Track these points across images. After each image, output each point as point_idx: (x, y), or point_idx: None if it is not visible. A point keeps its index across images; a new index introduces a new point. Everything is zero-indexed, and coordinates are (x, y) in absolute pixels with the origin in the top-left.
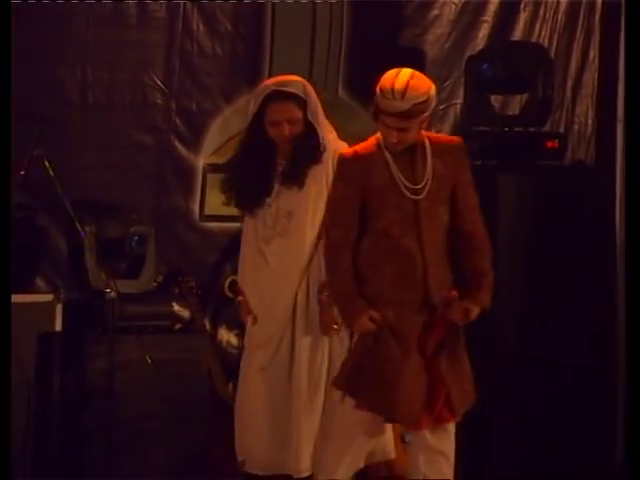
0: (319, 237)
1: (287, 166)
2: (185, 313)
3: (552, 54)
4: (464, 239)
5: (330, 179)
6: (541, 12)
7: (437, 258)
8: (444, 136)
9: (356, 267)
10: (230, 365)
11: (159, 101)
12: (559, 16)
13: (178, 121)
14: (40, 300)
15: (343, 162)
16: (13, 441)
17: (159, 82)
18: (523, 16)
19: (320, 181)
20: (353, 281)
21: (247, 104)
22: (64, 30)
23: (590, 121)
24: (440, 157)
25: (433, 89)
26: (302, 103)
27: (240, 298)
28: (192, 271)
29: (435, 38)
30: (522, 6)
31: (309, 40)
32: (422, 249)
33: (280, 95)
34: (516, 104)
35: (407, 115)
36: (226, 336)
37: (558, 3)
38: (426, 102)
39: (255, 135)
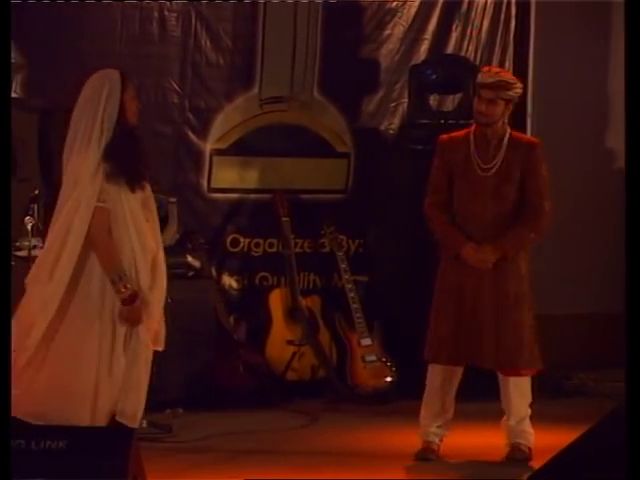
0: None
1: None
2: (196, 263)
3: (477, 63)
4: (521, 211)
5: None
6: (468, 31)
7: (497, 225)
8: (525, 135)
9: None
10: (231, 303)
11: (175, 100)
12: (482, 35)
13: (190, 116)
14: None
15: (439, 144)
16: None
17: (176, 86)
18: (454, 35)
19: None
20: (454, 227)
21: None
22: (104, 46)
23: None
24: (515, 149)
25: (519, 84)
26: None
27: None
28: (202, 231)
29: (388, 52)
30: (454, 27)
31: (291, 53)
32: (484, 216)
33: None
34: (449, 102)
35: (494, 87)
36: (228, 281)
37: (481, 24)
38: (508, 84)
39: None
